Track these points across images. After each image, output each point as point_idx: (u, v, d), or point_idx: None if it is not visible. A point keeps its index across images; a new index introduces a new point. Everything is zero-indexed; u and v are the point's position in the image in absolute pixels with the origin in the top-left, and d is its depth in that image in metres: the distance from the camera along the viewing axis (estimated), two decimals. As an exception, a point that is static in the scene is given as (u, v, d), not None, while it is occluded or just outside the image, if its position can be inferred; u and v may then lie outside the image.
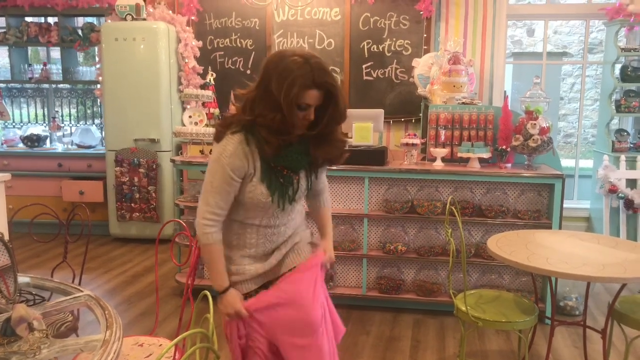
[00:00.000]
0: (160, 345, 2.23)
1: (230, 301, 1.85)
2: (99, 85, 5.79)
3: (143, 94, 5.39)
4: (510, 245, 2.70)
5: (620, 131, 5.26)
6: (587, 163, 6.72)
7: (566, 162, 5.42)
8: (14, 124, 6.41)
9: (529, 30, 11.78)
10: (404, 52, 5.49)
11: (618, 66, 5.20)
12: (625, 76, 5.14)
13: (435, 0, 5.33)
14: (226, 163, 1.77)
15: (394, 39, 5.49)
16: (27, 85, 6.36)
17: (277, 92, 1.71)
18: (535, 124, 3.60)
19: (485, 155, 3.75)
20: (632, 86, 5.20)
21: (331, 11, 5.54)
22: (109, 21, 5.53)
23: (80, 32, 5.94)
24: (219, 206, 1.81)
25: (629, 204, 4.61)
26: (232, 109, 1.91)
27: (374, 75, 5.57)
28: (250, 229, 1.90)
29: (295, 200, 1.92)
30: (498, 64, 5.38)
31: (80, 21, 6.48)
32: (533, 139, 3.60)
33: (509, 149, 3.76)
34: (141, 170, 5.38)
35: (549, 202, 3.67)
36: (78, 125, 6.38)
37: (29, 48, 6.52)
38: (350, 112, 3.98)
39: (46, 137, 6.13)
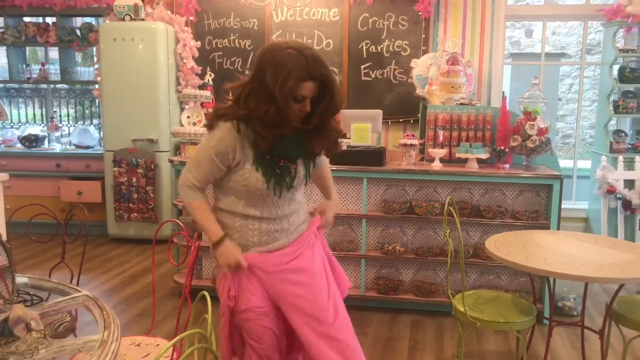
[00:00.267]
0: (158, 345, 2.22)
1: (230, 250, 1.87)
2: (97, 86, 5.79)
3: (141, 94, 5.38)
4: (509, 246, 2.70)
5: (618, 132, 5.27)
6: (585, 164, 6.72)
7: (564, 163, 5.42)
8: (12, 124, 6.41)
9: (527, 31, 11.80)
10: (402, 52, 5.49)
11: (616, 67, 5.21)
12: (623, 77, 5.16)
13: (434, 1, 5.34)
14: (212, 145, 1.84)
15: (393, 40, 5.49)
16: (25, 86, 6.36)
17: (272, 85, 1.72)
18: (533, 124, 3.60)
19: (484, 155, 3.75)
20: (630, 87, 5.22)
21: (330, 12, 5.54)
22: (108, 21, 5.53)
23: (78, 32, 5.92)
24: (197, 179, 1.90)
25: (626, 204, 4.62)
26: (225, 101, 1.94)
27: (373, 76, 5.57)
28: (252, 225, 1.90)
29: (294, 187, 1.92)
30: (496, 65, 5.39)
31: (78, 21, 6.47)
32: (531, 140, 3.60)
33: (507, 150, 3.76)
34: (139, 170, 5.37)
35: (547, 203, 3.67)
36: (76, 125, 6.38)
37: (27, 48, 6.52)
38: (348, 112, 4.03)
39: (44, 137, 6.12)
